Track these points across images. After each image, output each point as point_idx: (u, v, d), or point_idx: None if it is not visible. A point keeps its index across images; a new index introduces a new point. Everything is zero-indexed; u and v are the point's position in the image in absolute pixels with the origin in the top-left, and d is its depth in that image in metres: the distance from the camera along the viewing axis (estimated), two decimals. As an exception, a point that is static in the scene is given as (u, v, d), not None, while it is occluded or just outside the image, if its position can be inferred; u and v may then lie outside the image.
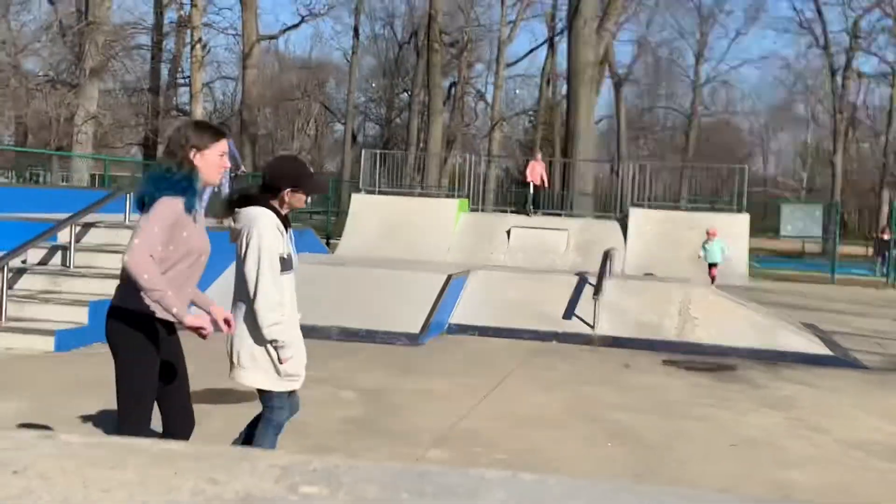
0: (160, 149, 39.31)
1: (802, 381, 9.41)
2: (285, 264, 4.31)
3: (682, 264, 18.93)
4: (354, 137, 53.10)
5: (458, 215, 22.08)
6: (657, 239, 21.11)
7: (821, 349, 11.25)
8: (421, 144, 41.80)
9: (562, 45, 45.57)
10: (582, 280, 12.58)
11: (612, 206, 25.28)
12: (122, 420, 3.90)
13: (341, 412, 6.99)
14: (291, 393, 4.55)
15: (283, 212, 4.38)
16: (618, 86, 48.13)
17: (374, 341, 10.42)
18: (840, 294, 20.81)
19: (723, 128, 65.81)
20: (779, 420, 7.50)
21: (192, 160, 3.87)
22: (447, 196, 26.43)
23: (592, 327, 11.55)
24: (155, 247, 3.69)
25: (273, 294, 4.21)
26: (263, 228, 4.22)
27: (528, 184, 23.25)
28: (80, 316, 9.56)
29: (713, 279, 17.84)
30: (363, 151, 26.25)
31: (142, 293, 3.70)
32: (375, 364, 9.15)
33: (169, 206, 3.75)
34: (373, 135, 62.14)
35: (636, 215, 22.14)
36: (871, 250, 40.55)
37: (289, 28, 43.31)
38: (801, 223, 27.95)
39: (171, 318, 3.82)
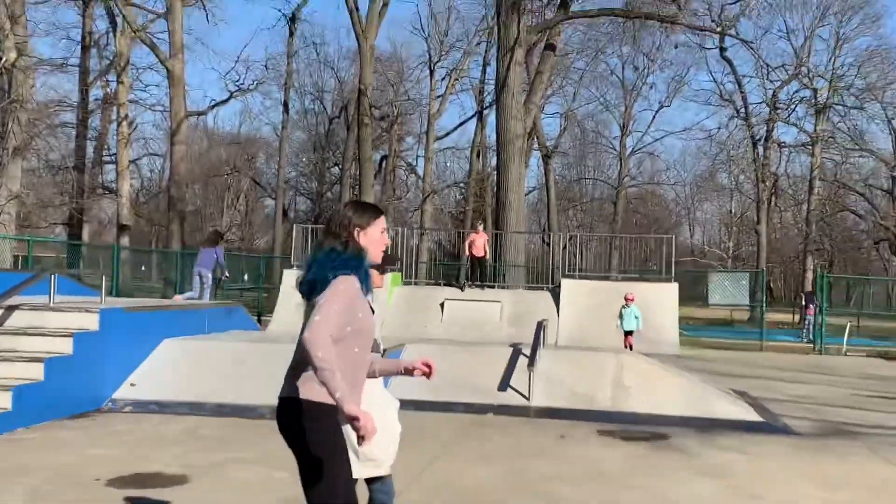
0: (86, 228, 38.75)
1: (736, 448, 9.46)
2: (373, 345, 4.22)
3: (613, 334, 19.06)
4: (285, 212, 52.94)
5: (391, 289, 22.03)
6: (588, 309, 21.27)
7: (752, 416, 11.35)
8: (353, 218, 41.68)
9: (490, 118, 46.37)
10: (516, 352, 12.57)
11: (543, 277, 25.49)
12: None
13: (276, 494, 6.81)
14: (384, 478, 4.45)
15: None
16: (546, 158, 48.91)
17: (307, 418, 10.22)
18: (769, 360, 21.13)
19: (650, 198, 67.21)
20: (715, 488, 7.52)
21: (358, 240, 3.84)
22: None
23: (528, 399, 11.52)
24: (333, 326, 3.57)
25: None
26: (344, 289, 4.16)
27: (465, 256, 23.21)
28: (4, 401, 9.24)
29: (630, 347, 17.98)
30: (294, 226, 26.13)
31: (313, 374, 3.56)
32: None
33: (347, 284, 3.67)
34: (304, 209, 62.03)
35: (568, 286, 22.31)
36: (797, 317, 41.41)
37: (217, 104, 43.17)
38: (728, 291, 28.48)
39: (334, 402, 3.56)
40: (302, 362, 3.68)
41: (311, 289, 3.74)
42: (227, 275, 21.52)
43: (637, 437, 9.91)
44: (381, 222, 3.96)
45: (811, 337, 27.69)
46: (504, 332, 20.03)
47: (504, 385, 11.85)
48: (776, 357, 22.34)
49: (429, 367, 4.05)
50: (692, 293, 39.08)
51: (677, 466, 8.38)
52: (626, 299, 18.86)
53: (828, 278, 29.16)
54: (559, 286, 22.53)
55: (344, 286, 3.65)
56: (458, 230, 42.74)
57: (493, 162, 38.38)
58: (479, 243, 22.69)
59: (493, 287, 23.27)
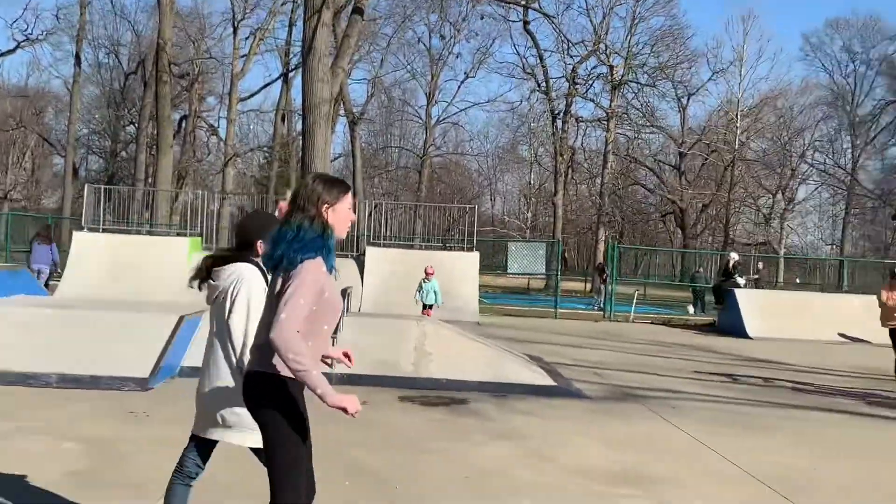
0: None
1: (530, 411, 9.81)
2: None
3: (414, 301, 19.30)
4: (76, 171, 50.42)
5: (190, 254, 21.40)
6: (393, 277, 21.43)
7: (546, 380, 11.79)
8: (149, 180, 40.26)
9: (296, 81, 45.66)
10: (346, 294, 12.53)
11: (348, 245, 25.43)
12: (280, 489, 3.76)
13: (63, 465, 6.51)
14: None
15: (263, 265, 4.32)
16: (353, 124, 48.72)
17: (98, 387, 9.83)
18: (562, 327, 21.97)
19: (454, 168, 68.29)
20: (509, 450, 7.76)
21: (326, 216, 3.82)
22: (178, 234, 25.60)
23: (330, 366, 11.47)
24: (301, 320, 3.62)
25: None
26: (252, 283, 4.29)
27: None
28: None
29: None
30: (86, 186, 24.88)
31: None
32: (100, 411, 8.63)
33: (313, 273, 3.71)
34: (96, 169, 59.31)
35: (372, 254, 22.40)
36: (589, 285, 43.28)
37: (3, 54, 40.52)
38: (526, 261, 29.37)
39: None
40: (259, 344, 3.76)
41: (276, 265, 3.77)
42: (59, 271, 20.65)
43: (437, 403, 10.10)
44: (349, 198, 3.95)
45: (602, 305, 28.98)
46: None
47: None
48: (569, 324, 23.26)
49: (348, 356, 4.19)
50: (492, 262, 40.11)
51: (475, 430, 8.60)
52: (426, 273, 18.40)
53: (618, 249, 30.56)
54: (364, 254, 22.58)
55: (312, 275, 3.69)
56: (262, 195, 42.01)
57: (299, 126, 37.89)
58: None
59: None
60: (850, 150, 60.96)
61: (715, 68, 59.11)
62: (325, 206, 3.85)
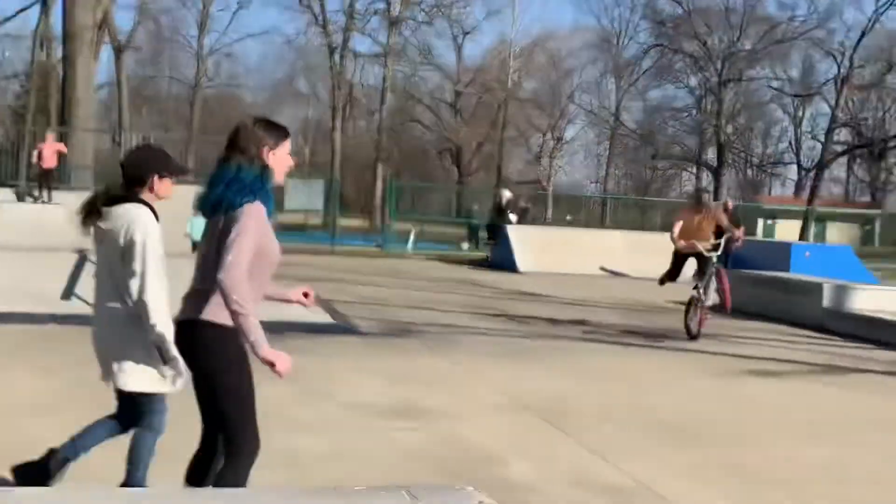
0: None
1: (308, 349, 9.75)
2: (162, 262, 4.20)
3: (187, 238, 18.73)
4: None
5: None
6: (163, 213, 20.62)
7: (324, 318, 11.77)
8: None
9: (56, 6, 42.74)
10: (82, 258, 11.89)
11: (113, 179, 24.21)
12: (239, 436, 3.79)
13: None
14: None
15: (153, 205, 4.29)
16: (119, 52, 46.22)
17: None
18: (340, 264, 21.99)
19: (228, 101, 66.33)
20: (286, 389, 7.67)
21: (266, 158, 3.75)
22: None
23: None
24: (245, 263, 3.58)
25: (161, 294, 4.12)
26: (147, 227, 4.16)
27: (34, 165, 21.09)
28: None
29: None
30: None
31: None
32: None
33: (254, 216, 3.66)
34: None
35: (142, 188, 21.45)
36: (367, 222, 43.52)
37: None
38: (304, 197, 29.12)
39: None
40: (204, 289, 3.69)
41: (213, 208, 3.73)
42: None
43: (211, 342, 9.86)
44: (288, 143, 3.91)
45: (381, 241, 29.24)
46: (73, 236, 18.84)
47: (67, 293, 11.17)
48: (347, 261, 23.32)
49: (306, 295, 4.14)
50: (269, 198, 39.41)
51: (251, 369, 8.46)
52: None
53: (396, 186, 30.83)
54: (132, 189, 21.59)
55: (253, 220, 3.65)
56: (19, 127, 39.25)
57: (60, 53, 35.55)
58: (48, 153, 20.71)
59: (57, 189, 21.70)
60: (614, 92, 63.96)
61: (490, 8, 60.29)
62: (266, 148, 3.79)
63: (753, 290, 15.52)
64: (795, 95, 61.26)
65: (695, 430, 7.00)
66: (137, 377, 4.18)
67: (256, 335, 3.62)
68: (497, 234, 24.66)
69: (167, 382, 4.20)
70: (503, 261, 22.60)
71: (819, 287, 14.36)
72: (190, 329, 3.79)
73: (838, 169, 69.06)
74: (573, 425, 6.87)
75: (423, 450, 6.04)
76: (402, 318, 12.62)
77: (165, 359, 4.12)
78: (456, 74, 54.97)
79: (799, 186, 64.12)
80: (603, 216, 38.53)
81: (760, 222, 49.75)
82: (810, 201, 48.33)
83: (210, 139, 30.64)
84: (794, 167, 67.33)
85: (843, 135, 56.48)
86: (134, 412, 4.34)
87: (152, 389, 4.21)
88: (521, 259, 21.93)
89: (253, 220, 3.67)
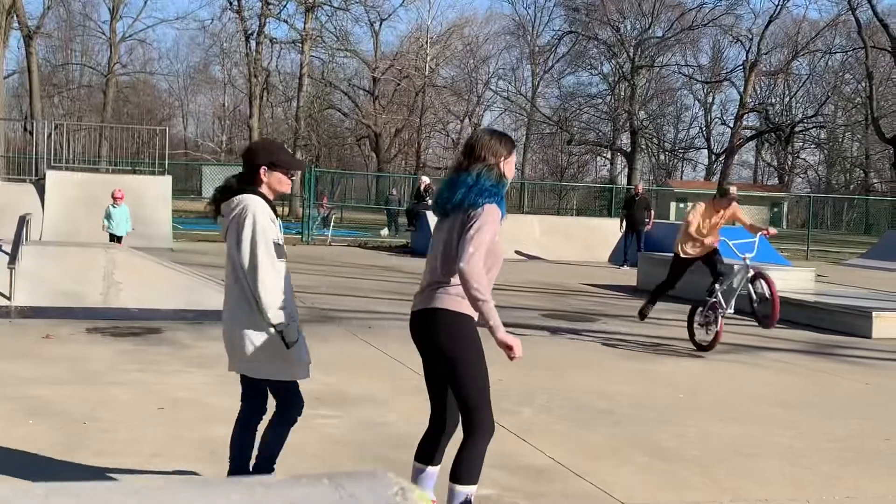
0: None
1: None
2: (279, 251, 4.35)
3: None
4: None
5: None
6: (78, 202, 20.24)
7: (244, 306, 11.68)
8: None
9: (-41, -10, 41.24)
10: (22, 221, 11.63)
11: (26, 169, 23.67)
12: (479, 412, 4.16)
13: None
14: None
15: (270, 197, 4.43)
16: (28, 38, 44.91)
17: None
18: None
19: (142, 87, 65.05)
20: (206, 378, 7.66)
21: (502, 167, 4.13)
22: None
23: (9, 298, 10.73)
24: (484, 256, 3.94)
25: (273, 278, 4.24)
26: (255, 216, 4.27)
27: None
28: None
29: None
30: None
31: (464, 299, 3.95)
32: None
33: (493, 216, 4.00)
34: None
35: (54, 178, 20.99)
36: (286, 210, 43.13)
37: None
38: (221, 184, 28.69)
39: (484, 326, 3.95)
40: (439, 282, 4.08)
41: (453, 209, 4.07)
42: None
43: (128, 333, 9.74)
44: (514, 153, 4.33)
45: (301, 229, 29.01)
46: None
47: (13, 259, 10.91)
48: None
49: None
50: (185, 186, 38.95)
51: (169, 359, 8.39)
52: (113, 197, 16.42)
53: (315, 173, 30.65)
54: (44, 178, 21.12)
55: (493, 216, 4.01)
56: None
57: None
58: None
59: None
60: (530, 79, 64.46)
61: (407, -6, 60.07)
62: (501, 157, 4.16)
63: (665, 272, 15.86)
64: (705, 82, 62.55)
65: (611, 410, 7.18)
66: (264, 365, 4.35)
67: (495, 320, 3.97)
68: (417, 219, 24.73)
69: (295, 368, 4.43)
70: (424, 247, 22.64)
71: (729, 268, 14.74)
72: (431, 318, 4.12)
73: (747, 153, 70.91)
74: (496, 409, 6.95)
75: (347, 436, 6.08)
76: (324, 305, 12.61)
77: (287, 344, 4.30)
78: (373, 61, 54.74)
79: (709, 170, 65.62)
80: (521, 201, 38.84)
81: (672, 206, 50.74)
82: (720, 184, 49.43)
83: (124, 126, 30.04)
84: (705, 152, 68.84)
85: (751, 120, 57.92)
86: (262, 399, 4.59)
87: (278, 377, 4.40)
88: (441, 245, 21.98)
89: (492, 219, 4.02)
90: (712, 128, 69.11)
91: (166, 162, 23.39)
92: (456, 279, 4.00)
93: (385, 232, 31.77)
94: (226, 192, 4.44)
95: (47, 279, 11.24)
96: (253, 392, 4.62)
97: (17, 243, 11.33)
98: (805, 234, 33.32)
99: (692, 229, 10.33)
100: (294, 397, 4.56)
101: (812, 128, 62.01)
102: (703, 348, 10.18)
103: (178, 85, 70.58)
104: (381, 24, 55.13)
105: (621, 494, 5.12)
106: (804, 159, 72.71)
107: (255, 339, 4.28)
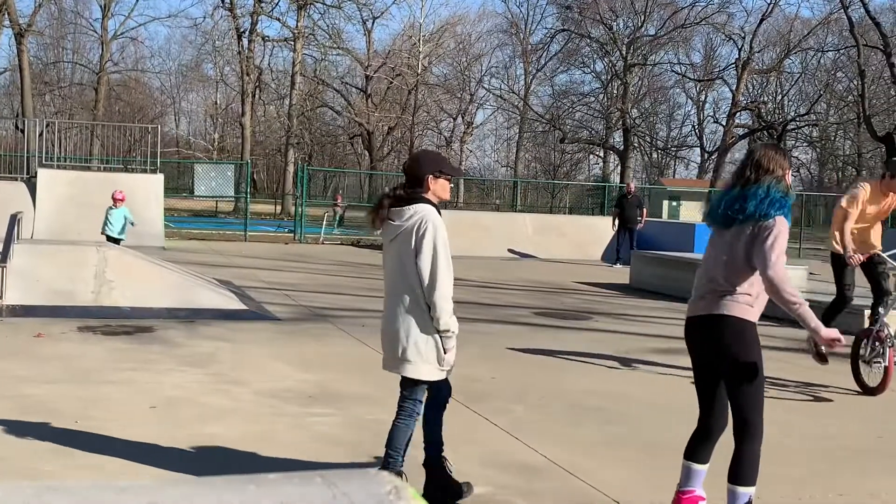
0: None
1: (220, 336, 9.69)
2: None
3: (96, 227, 18.33)
4: None
5: None
6: (70, 200, 20.18)
7: (236, 304, 11.68)
8: None
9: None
10: (13, 219, 11.62)
11: (18, 167, 23.60)
12: (754, 415, 4.32)
13: None
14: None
15: (435, 203, 4.64)
16: (20, 36, 44.76)
17: None
18: (253, 250, 21.79)
19: (134, 85, 64.86)
20: (198, 377, 7.64)
21: (788, 180, 4.44)
22: None
23: (0, 297, 10.70)
24: (783, 262, 4.20)
25: (449, 286, 4.51)
26: (438, 223, 4.53)
27: None
28: None
29: None
30: None
31: (784, 304, 4.19)
32: None
33: (784, 226, 4.28)
34: None
35: (45, 176, 20.93)
36: (279, 208, 43.11)
37: None
38: (214, 183, 28.70)
39: (809, 329, 4.24)
40: (722, 289, 4.33)
41: (746, 218, 4.30)
42: None
43: (120, 332, 9.71)
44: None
45: (293, 227, 29.00)
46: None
47: (4, 256, 10.88)
48: (260, 247, 23.11)
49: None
50: (178, 184, 38.87)
51: (162, 358, 8.37)
52: (114, 199, 15.82)
53: (308, 171, 30.61)
54: (35, 176, 21.05)
55: (784, 227, 4.27)
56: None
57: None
58: None
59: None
60: (522, 77, 64.45)
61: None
62: (786, 170, 4.45)
63: (658, 270, 15.91)
64: (698, 80, 62.59)
65: (604, 409, 7.18)
66: (419, 366, 4.56)
67: (815, 321, 4.20)
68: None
69: (441, 372, 4.63)
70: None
71: None
72: (716, 323, 4.35)
73: (739, 151, 70.85)
74: (488, 407, 6.98)
75: (339, 435, 6.07)
76: (317, 304, 12.59)
77: (445, 348, 4.56)
78: (366, 59, 54.67)
79: (702, 169, 65.64)
80: (514, 200, 38.80)
81: (665, 204, 50.81)
82: (713, 183, 49.52)
83: (116, 124, 29.96)
84: (698, 150, 68.87)
85: (743, 118, 58.00)
86: (404, 397, 4.77)
87: (430, 378, 4.61)
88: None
89: (784, 229, 4.29)
90: (705, 126, 69.14)
91: (158, 160, 23.34)
92: (742, 287, 4.32)
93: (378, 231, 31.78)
94: (396, 201, 4.62)
95: (39, 278, 11.21)
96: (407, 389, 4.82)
97: (8, 242, 11.30)
98: (797, 231, 33.38)
99: (845, 225, 8.26)
100: (443, 385, 4.79)
101: (804, 126, 62.09)
102: (869, 391, 8.06)
103: (170, 83, 70.43)
104: (373, 22, 55.03)
105: (615, 492, 5.12)
106: (796, 157, 72.81)
107: (419, 342, 4.54)
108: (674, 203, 52.82)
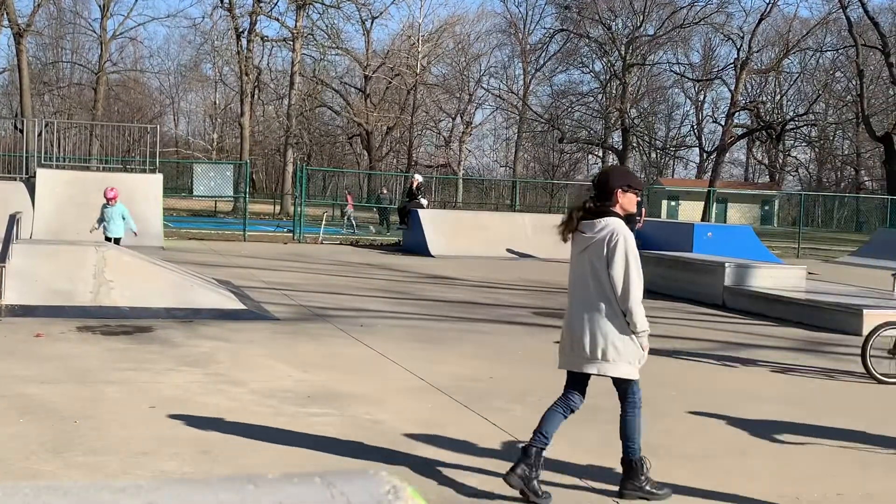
0: None
1: (219, 336, 9.68)
2: None
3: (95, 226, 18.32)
4: None
5: None
6: (68, 201, 20.18)
7: (235, 304, 11.68)
8: None
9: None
10: (12, 219, 11.62)
11: (16, 167, 23.59)
12: None
13: None
14: None
15: (622, 215, 4.99)
16: (18, 36, 44.74)
17: None
18: (252, 250, 21.78)
19: (133, 85, 64.88)
20: (197, 377, 7.64)
21: None
22: None
23: (-2, 297, 10.70)
24: None
25: (640, 292, 4.87)
26: (627, 234, 4.89)
27: None
28: None
29: None
30: None
31: None
32: None
33: None
34: None
35: (44, 176, 20.92)
36: (277, 208, 43.11)
37: None
38: (213, 183, 28.70)
39: None
40: None
41: None
42: None
43: (119, 332, 9.71)
44: None
45: (293, 227, 29.00)
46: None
47: (3, 256, 10.87)
48: (258, 247, 23.11)
49: None
50: (177, 184, 38.87)
51: (160, 358, 8.37)
52: (106, 197, 14.97)
53: (306, 171, 30.62)
54: (34, 176, 21.05)
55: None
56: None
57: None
58: None
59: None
60: (521, 77, 64.47)
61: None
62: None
63: (657, 270, 15.89)
64: (697, 80, 62.61)
65: (603, 408, 7.17)
66: (622, 366, 4.93)
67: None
68: (408, 217, 24.72)
69: (638, 367, 5.03)
70: (415, 245, 22.67)
71: (721, 266, 14.79)
72: None
73: (738, 151, 70.95)
74: (487, 407, 6.99)
75: (338, 435, 6.07)
76: (315, 304, 12.59)
77: (644, 346, 4.98)
78: (365, 59, 54.67)
79: (701, 168, 65.71)
80: (513, 199, 38.81)
81: (664, 203, 50.83)
82: (712, 183, 49.54)
83: (115, 124, 29.95)
84: (696, 150, 68.93)
85: (742, 118, 58.01)
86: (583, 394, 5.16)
87: (631, 376, 5.00)
88: (434, 243, 22.03)
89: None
90: (703, 126, 69.22)
91: (157, 160, 23.34)
92: None
93: (374, 229, 31.84)
94: (586, 214, 4.97)
95: (38, 278, 11.20)
96: (581, 388, 5.18)
97: (7, 242, 11.29)
98: (796, 231, 33.38)
99: None
100: (636, 387, 5.12)
101: (803, 126, 62.12)
102: None
103: (169, 83, 70.46)
104: (372, 22, 55.03)
105: (615, 491, 5.12)
106: (795, 157, 72.87)
107: (617, 343, 4.89)
108: (672, 203, 52.82)
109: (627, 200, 5.01)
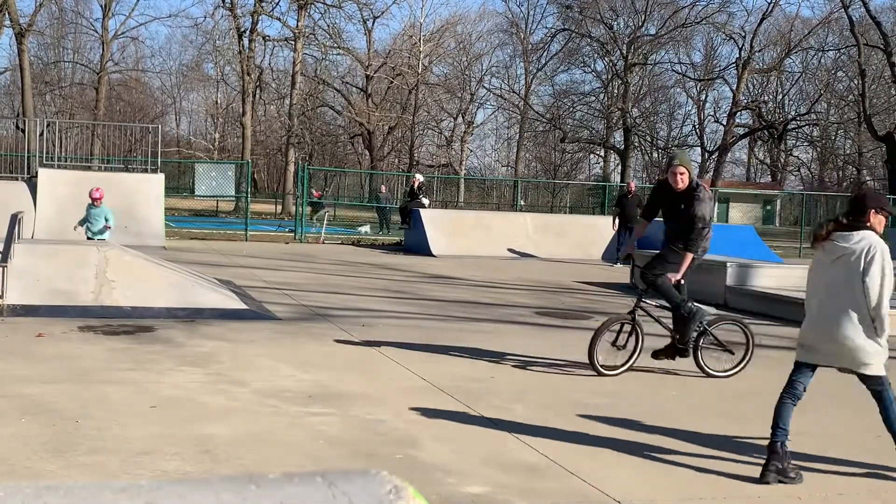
0: None
1: (220, 336, 9.69)
2: None
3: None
4: None
5: None
6: (70, 200, 20.18)
7: (237, 304, 11.68)
8: None
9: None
10: (14, 218, 11.62)
11: (18, 167, 23.61)
12: None
13: None
14: None
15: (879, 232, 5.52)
16: (20, 36, 44.78)
17: None
18: (253, 250, 21.78)
19: (134, 85, 64.92)
20: (198, 377, 7.64)
21: None
22: None
23: (1, 297, 10.70)
24: None
25: (888, 304, 5.38)
26: (885, 251, 5.38)
27: None
28: None
29: None
30: None
31: None
32: None
33: None
34: None
35: (46, 176, 20.93)
36: (279, 207, 43.14)
37: None
38: (214, 182, 28.71)
39: None
40: None
41: None
42: None
43: (121, 331, 9.71)
44: None
45: (294, 227, 29.01)
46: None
47: (5, 256, 10.88)
48: (260, 246, 23.11)
49: None
50: (178, 184, 38.91)
51: (162, 358, 8.37)
52: (91, 198, 14.54)
53: (308, 170, 30.62)
54: (36, 176, 21.06)
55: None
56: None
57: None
58: None
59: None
60: (523, 76, 64.47)
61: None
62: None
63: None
64: (698, 79, 62.60)
65: (604, 407, 7.18)
66: (878, 365, 5.46)
67: None
68: (410, 217, 24.72)
69: (884, 366, 5.51)
70: (417, 245, 22.66)
71: (723, 266, 14.78)
72: None
73: (740, 151, 70.95)
74: (488, 406, 6.98)
75: (339, 434, 6.07)
76: (317, 304, 12.59)
77: (883, 347, 5.45)
78: (366, 58, 54.67)
79: (702, 168, 65.64)
80: (514, 199, 38.81)
81: (667, 203, 50.79)
82: (713, 182, 49.54)
83: (117, 123, 29.96)
84: (698, 149, 68.88)
85: (744, 117, 57.99)
86: (878, 392, 5.58)
87: (881, 373, 5.49)
88: (435, 243, 22.03)
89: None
90: (705, 125, 69.16)
91: (159, 160, 23.33)
92: None
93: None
94: (841, 226, 5.49)
95: (40, 277, 11.21)
96: (808, 381, 5.68)
97: (9, 241, 11.30)
98: (798, 231, 33.37)
99: None
100: (887, 382, 5.56)
101: (805, 125, 62.09)
102: None
103: (171, 83, 70.52)
104: (373, 22, 55.04)
105: (615, 492, 5.12)
106: (797, 157, 72.83)
107: (870, 348, 5.41)
108: (674, 202, 52.77)
109: (878, 221, 5.53)
